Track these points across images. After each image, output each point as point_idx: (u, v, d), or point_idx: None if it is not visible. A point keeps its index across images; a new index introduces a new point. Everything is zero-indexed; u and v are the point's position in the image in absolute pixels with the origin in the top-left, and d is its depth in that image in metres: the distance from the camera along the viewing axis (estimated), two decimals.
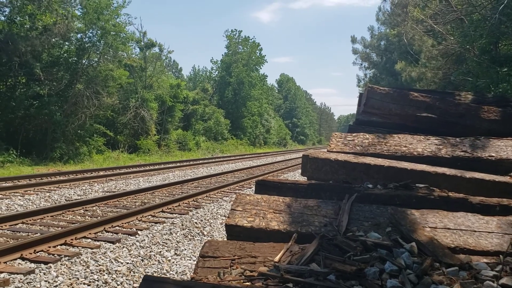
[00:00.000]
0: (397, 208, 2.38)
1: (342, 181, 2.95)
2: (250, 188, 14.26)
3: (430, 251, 1.99)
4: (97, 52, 24.80)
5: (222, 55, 56.30)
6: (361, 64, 38.35)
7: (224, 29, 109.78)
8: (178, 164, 22.81)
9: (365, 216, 2.40)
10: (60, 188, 12.68)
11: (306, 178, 3.45)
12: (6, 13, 21.17)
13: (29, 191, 11.70)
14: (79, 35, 24.26)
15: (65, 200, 10.85)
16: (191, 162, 24.76)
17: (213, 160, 28.48)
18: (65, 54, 23.92)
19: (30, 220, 8.28)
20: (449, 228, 2.26)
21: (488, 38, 12.30)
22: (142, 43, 34.05)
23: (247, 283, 1.80)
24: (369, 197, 2.62)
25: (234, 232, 2.36)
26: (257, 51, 57.24)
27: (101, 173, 17.26)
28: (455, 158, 3.24)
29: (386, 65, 32.92)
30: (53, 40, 22.12)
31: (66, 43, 23.94)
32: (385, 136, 3.60)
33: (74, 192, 11.94)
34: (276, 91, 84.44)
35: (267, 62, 58.02)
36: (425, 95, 3.79)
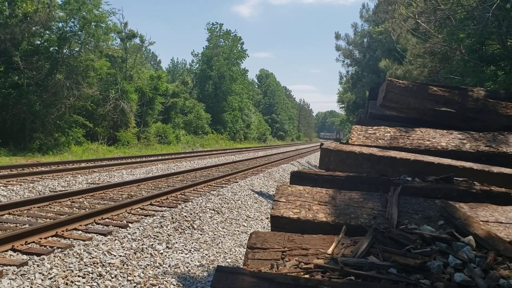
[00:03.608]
0: (447, 202, 2.34)
1: (379, 173, 2.91)
2: (236, 182, 14.19)
3: (490, 245, 1.96)
4: (78, 42, 24.28)
5: (203, 48, 56.00)
6: (344, 61, 38.52)
7: (204, 22, 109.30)
8: (160, 158, 22.55)
9: (414, 209, 2.36)
10: (43, 179, 12.38)
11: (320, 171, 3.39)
12: None
13: (11, 182, 11.38)
14: (60, 24, 23.70)
15: (50, 191, 10.59)
16: (173, 156, 24.52)
17: (195, 154, 28.27)
18: (46, 43, 23.34)
19: (17, 211, 8.04)
20: (501, 222, 2.23)
21: (475, 38, 12.46)
22: (123, 34, 33.51)
23: (306, 276, 1.73)
24: (409, 190, 2.57)
25: (279, 223, 2.30)
26: (239, 45, 57.08)
27: (83, 164, 16.93)
28: (480, 152, 3.23)
29: (369, 62, 33.11)
30: (34, 28, 21.54)
31: (47, 31, 23.34)
32: (407, 129, 3.57)
33: (58, 183, 11.66)
34: (256, 86, 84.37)
35: (248, 56, 57.83)
36: (444, 90, 3.77)
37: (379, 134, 3.51)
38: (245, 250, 7.80)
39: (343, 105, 46.27)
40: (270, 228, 2.48)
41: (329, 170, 3.24)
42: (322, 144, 3.54)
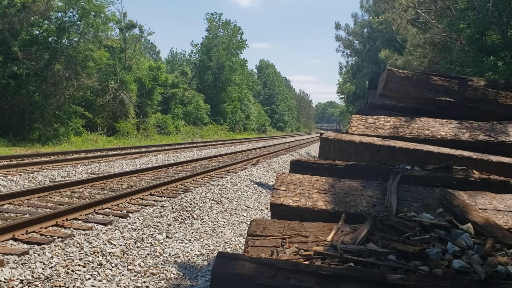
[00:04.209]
0: (447, 190, 2.36)
1: (379, 162, 2.92)
2: (236, 173, 14.20)
3: (489, 232, 1.97)
4: (77, 32, 24.17)
5: (203, 38, 55.75)
6: (344, 52, 38.39)
7: (203, 12, 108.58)
8: (160, 148, 22.58)
9: (413, 197, 2.38)
10: (43, 169, 12.39)
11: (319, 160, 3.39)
12: None
13: (11, 172, 11.40)
14: (59, 14, 23.57)
15: (49, 181, 10.61)
16: (173, 146, 24.53)
17: (194, 144, 28.27)
18: (44, 33, 23.24)
19: (17, 201, 8.06)
20: (499, 210, 2.25)
21: (475, 28, 12.43)
22: (122, 24, 33.36)
23: (306, 262, 1.75)
24: (408, 178, 2.59)
25: (279, 211, 2.32)
26: (238, 35, 56.89)
27: (83, 155, 16.94)
28: (479, 142, 3.24)
29: (369, 52, 33.02)
30: (32, 18, 21.43)
31: (46, 21, 23.24)
32: (406, 119, 3.57)
33: (58, 174, 11.67)
34: (256, 77, 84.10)
35: (248, 46, 57.87)
36: (443, 79, 3.77)
37: (379, 123, 3.51)
38: (244, 239, 7.86)
39: (343, 96, 46.22)
40: (269, 218, 2.50)
41: (329, 159, 3.25)
42: (322, 134, 3.56)
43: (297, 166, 2.84)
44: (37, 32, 23.15)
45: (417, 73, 3.89)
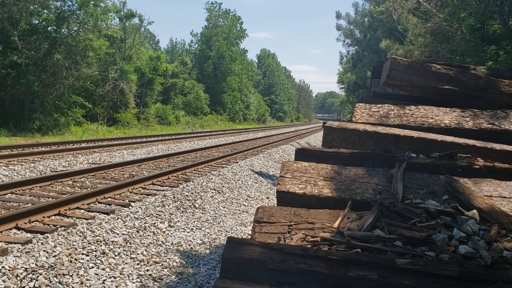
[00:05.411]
0: (452, 177, 2.38)
1: (383, 150, 2.93)
2: (237, 162, 14.23)
3: (494, 219, 1.99)
4: (77, 21, 24.07)
5: (202, 27, 55.58)
6: (344, 41, 38.24)
7: (202, 1, 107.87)
8: (160, 138, 22.58)
9: (419, 184, 2.40)
10: (44, 159, 12.41)
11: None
12: None
13: (12, 162, 11.41)
14: (58, 3, 23.46)
15: (51, 171, 10.62)
16: (173, 136, 24.53)
17: (195, 134, 28.29)
18: (44, 23, 23.13)
19: (19, 190, 8.08)
20: (504, 197, 2.27)
21: (476, 17, 12.38)
22: (122, 13, 33.22)
23: (314, 248, 1.77)
24: (414, 166, 2.61)
25: (285, 198, 2.33)
26: (238, 24, 56.68)
27: (84, 145, 16.95)
28: (482, 130, 3.25)
29: (369, 42, 32.92)
30: (31, 7, 21.33)
31: (45, 11, 23.12)
32: (410, 107, 3.58)
33: (59, 163, 11.68)
34: (256, 66, 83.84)
35: (247, 36, 57.75)
36: (447, 68, 3.78)
37: (383, 112, 3.52)
38: (245, 228, 7.89)
39: (343, 86, 46.13)
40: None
41: (333, 148, 3.26)
42: (325, 123, 3.57)
43: (302, 154, 2.85)
44: (37, 22, 23.05)
45: (420, 62, 3.90)
